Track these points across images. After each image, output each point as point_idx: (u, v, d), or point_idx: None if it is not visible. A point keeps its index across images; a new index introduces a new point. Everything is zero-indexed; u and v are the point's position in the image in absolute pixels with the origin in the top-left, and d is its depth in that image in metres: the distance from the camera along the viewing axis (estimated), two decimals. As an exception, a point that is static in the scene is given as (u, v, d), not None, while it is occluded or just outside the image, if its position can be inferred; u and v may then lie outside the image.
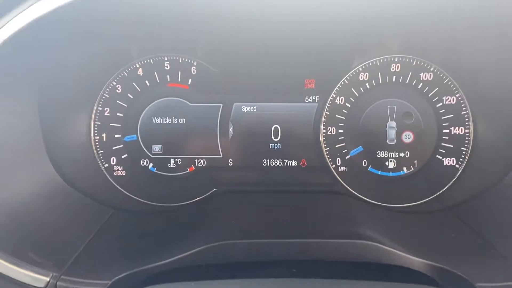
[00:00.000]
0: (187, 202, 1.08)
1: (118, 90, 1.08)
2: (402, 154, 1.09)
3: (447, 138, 1.08)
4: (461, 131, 1.08)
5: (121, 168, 1.09)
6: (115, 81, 1.07)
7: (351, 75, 1.08)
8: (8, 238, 0.77)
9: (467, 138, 1.07)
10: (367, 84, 1.08)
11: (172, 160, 1.10)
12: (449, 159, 1.08)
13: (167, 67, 1.08)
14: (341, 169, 1.09)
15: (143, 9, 0.81)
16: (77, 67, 0.97)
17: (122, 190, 1.08)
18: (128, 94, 1.08)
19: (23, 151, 0.93)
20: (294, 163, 1.10)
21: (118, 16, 0.81)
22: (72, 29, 0.80)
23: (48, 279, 0.71)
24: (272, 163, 1.10)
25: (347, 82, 1.08)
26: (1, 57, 0.74)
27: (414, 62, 1.07)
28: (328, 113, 1.08)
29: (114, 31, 0.89)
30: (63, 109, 1.00)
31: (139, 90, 1.08)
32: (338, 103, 1.08)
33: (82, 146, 1.06)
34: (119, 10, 0.78)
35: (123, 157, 1.09)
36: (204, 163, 1.11)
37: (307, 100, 1.09)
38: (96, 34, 0.86)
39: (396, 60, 1.07)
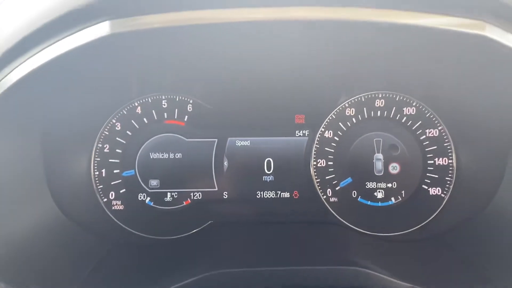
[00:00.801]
0: (184, 235, 1.12)
1: (118, 127, 1.13)
2: (389, 185, 1.14)
3: (432, 168, 1.13)
4: (445, 162, 1.13)
5: (119, 203, 1.12)
6: (114, 119, 1.13)
7: (338, 111, 1.14)
8: (10, 270, 0.79)
9: (450, 168, 1.13)
10: (353, 119, 1.14)
11: (168, 194, 1.14)
12: (435, 188, 1.13)
13: (164, 105, 1.14)
14: (332, 199, 1.13)
15: (143, 53, 0.88)
16: (79, 108, 1.02)
17: (120, 223, 1.11)
18: (127, 131, 1.13)
19: (26, 187, 0.97)
20: (287, 195, 1.14)
21: (119, 60, 0.87)
22: (75, 74, 0.86)
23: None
24: (265, 195, 1.14)
25: (334, 117, 1.14)
26: (6, 102, 0.80)
27: (397, 97, 1.14)
28: (318, 146, 1.14)
29: (116, 74, 0.95)
30: (65, 146, 1.05)
31: (137, 127, 1.14)
32: (327, 136, 1.14)
33: (83, 181, 1.10)
34: (120, 56, 0.84)
35: (121, 191, 1.13)
36: (199, 196, 1.15)
37: (297, 134, 1.15)
38: (98, 77, 0.92)
39: (380, 96, 1.14)
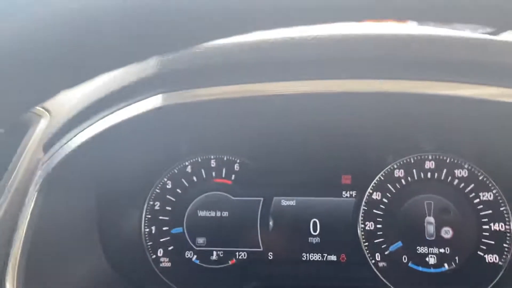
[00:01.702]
0: (228, 295, 1.11)
1: (168, 185, 1.17)
2: (442, 250, 1.09)
3: (488, 234, 1.08)
4: (502, 227, 1.07)
5: (167, 260, 1.14)
6: (166, 178, 1.17)
7: (386, 172, 1.13)
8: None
9: (508, 234, 1.07)
10: (402, 180, 1.12)
11: (214, 253, 1.15)
12: (491, 256, 1.07)
13: (213, 164, 1.17)
14: (381, 264, 1.09)
15: (193, 122, 0.93)
16: (134, 169, 1.08)
17: (167, 281, 1.12)
18: (177, 189, 1.17)
19: (80, 243, 1.01)
20: (334, 258, 1.12)
21: (172, 128, 0.92)
22: (131, 140, 0.91)
23: None
24: (311, 257, 1.13)
25: (383, 178, 1.13)
26: (67, 165, 0.86)
27: (448, 159, 1.12)
28: (366, 208, 1.12)
29: (168, 139, 1.00)
30: (118, 204, 1.10)
31: (187, 185, 1.17)
32: (375, 198, 1.12)
33: (133, 238, 1.13)
34: (173, 124, 0.90)
35: (169, 248, 1.15)
36: (244, 256, 1.15)
37: (344, 195, 1.14)
38: (152, 142, 0.98)
39: (430, 157, 1.12)
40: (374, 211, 1.12)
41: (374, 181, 1.12)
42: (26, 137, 0.97)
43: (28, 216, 0.84)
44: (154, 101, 0.82)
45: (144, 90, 0.82)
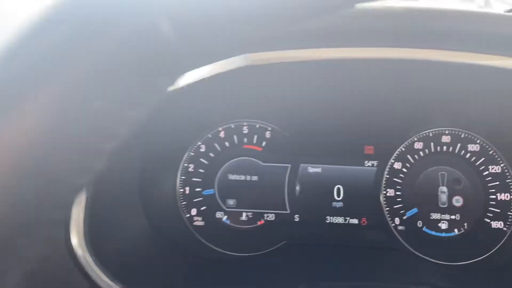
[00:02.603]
0: (259, 253, 1.19)
1: (202, 149, 1.23)
2: (453, 217, 1.20)
3: (494, 203, 1.19)
4: (507, 197, 1.19)
5: (200, 219, 1.21)
6: (200, 141, 1.23)
7: (407, 144, 1.22)
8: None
9: (512, 203, 1.19)
10: (421, 152, 1.22)
11: (244, 214, 1.22)
12: (497, 222, 1.19)
13: (245, 131, 1.24)
14: (399, 228, 1.20)
15: (228, 87, 0.99)
16: (173, 133, 1.13)
17: (201, 239, 1.19)
18: (210, 153, 1.23)
19: (122, 202, 1.07)
20: (355, 221, 1.21)
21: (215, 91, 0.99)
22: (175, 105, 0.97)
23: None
24: (334, 220, 1.22)
25: (404, 149, 1.22)
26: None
27: (463, 134, 1.22)
28: (388, 176, 1.21)
29: (207, 104, 1.06)
30: (156, 165, 1.15)
31: (219, 149, 1.23)
32: (396, 168, 1.22)
33: (169, 198, 1.19)
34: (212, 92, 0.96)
35: (202, 208, 1.21)
36: (272, 217, 1.22)
37: (366, 164, 1.23)
38: (196, 105, 1.04)
39: (446, 132, 1.22)
40: (395, 179, 1.22)
41: (397, 151, 1.22)
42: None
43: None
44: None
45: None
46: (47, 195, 0.32)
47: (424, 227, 1.20)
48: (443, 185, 1.21)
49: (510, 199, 1.19)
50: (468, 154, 1.21)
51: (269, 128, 1.24)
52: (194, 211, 1.21)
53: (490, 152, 1.21)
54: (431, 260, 1.18)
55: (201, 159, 1.23)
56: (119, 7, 0.33)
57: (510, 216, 1.18)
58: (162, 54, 0.35)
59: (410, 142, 1.22)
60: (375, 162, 1.23)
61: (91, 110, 0.33)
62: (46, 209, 0.33)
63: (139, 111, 0.36)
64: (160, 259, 1.10)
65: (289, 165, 1.24)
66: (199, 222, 1.21)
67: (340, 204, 1.22)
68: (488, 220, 1.19)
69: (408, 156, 1.22)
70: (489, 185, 1.20)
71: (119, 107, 0.34)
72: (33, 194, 0.32)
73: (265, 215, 1.23)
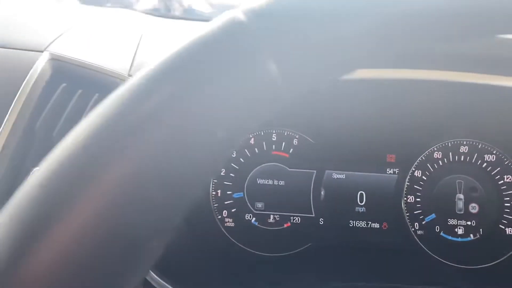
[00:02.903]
0: (285, 254, 1.27)
1: (233, 154, 1.30)
2: (469, 223, 1.27)
3: (509, 210, 1.26)
4: (521, 206, 1.27)
5: (231, 220, 1.28)
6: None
7: (427, 153, 1.29)
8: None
9: (526, 211, 1.26)
10: (440, 161, 1.29)
11: (271, 216, 1.30)
12: (511, 229, 1.26)
13: (274, 138, 1.31)
14: (419, 232, 1.27)
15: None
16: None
17: (232, 239, 1.27)
18: (240, 158, 1.30)
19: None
20: (377, 225, 1.29)
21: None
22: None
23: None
24: (357, 224, 1.29)
25: (424, 158, 1.29)
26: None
27: (480, 145, 1.29)
28: (408, 183, 1.29)
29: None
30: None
31: (249, 155, 1.31)
32: (416, 175, 1.29)
33: (203, 200, 1.27)
34: None
35: (232, 210, 1.29)
36: (298, 220, 1.30)
37: (388, 171, 1.30)
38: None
39: (464, 143, 1.29)
40: (415, 186, 1.29)
41: (417, 160, 1.29)
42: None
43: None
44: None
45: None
46: None
47: (442, 232, 1.27)
48: (460, 193, 1.28)
49: (524, 207, 1.26)
50: (485, 164, 1.29)
51: (297, 136, 1.31)
52: (225, 213, 1.29)
53: (506, 162, 1.28)
54: (448, 263, 1.26)
55: (232, 164, 1.30)
56: None
57: (524, 223, 1.26)
58: None
59: (430, 151, 1.30)
60: (396, 170, 1.30)
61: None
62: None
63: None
64: (193, 258, 1.18)
65: (315, 171, 1.31)
66: (230, 223, 1.28)
67: (362, 209, 1.29)
68: (503, 227, 1.26)
69: (428, 164, 1.29)
70: (504, 193, 1.27)
71: None
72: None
73: (292, 218, 1.30)
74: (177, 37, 1.35)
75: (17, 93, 0.91)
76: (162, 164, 0.31)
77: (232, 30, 0.35)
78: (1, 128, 0.90)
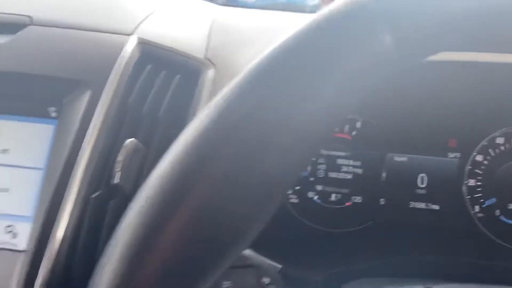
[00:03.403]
0: (345, 230, 1.33)
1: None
2: (529, 207, 1.30)
3: None
4: None
5: (295, 197, 1.36)
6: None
7: (489, 138, 1.32)
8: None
9: None
10: (502, 147, 1.32)
11: (333, 195, 1.36)
12: None
13: (338, 120, 1.37)
14: (479, 215, 1.31)
15: None
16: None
17: (296, 214, 1.34)
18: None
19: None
20: (436, 207, 1.33)
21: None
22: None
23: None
24: (417, 206, 1.34)
25: (486, 143, 1.32)
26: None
27: (543, 132, 1.31)
28: (470, 167, 1.32)
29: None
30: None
31: (313, 136, 1.37)
32: (477, 160, 1.32)
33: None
34: None
35: (296, 188, 1.36)
36: (360, 200, 1.36)
37: (450, 156, 1.34)
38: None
39: (527, 129, 1.32)
40: (476, 170, 1.32)
41: (480, 145, 1.32)
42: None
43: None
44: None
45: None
46: None
47: (501, 216, 1.30)
48: (520, 178, 1.31)
49: None
50: (546, 150, 1.31)
51: (360, 119, 1.37)
52: (290, 190, 1.36)
53: None
54: (507, 245, 1.29)
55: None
56: None
57: None
58: None
59: (492, 137, 1.32)
60: (458, 154, 1.34)
61: None
62: None
63: None
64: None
65: (377, 154, 1.36)
66: (294, 199, 1.36)
67: (423, 191, 1.34)
68: None
69: (490, 150, 1.32)
70: None
71: None
72: None
73: (353, 197, 1.36)
74: (248, 23, 1.43)
75: (110, 72, 1.01)
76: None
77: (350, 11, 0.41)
78: (101, 102, 0.99)
